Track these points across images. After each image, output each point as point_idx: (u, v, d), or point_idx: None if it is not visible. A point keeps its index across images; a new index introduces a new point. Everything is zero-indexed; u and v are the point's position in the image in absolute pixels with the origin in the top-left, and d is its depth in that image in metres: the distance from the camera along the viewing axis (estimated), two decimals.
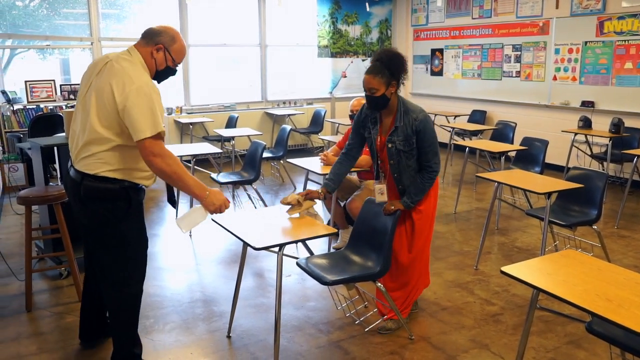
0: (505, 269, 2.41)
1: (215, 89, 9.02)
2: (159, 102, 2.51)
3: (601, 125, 6.86)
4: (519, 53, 8.14)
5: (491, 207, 4.40)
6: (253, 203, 5.87)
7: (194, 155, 5.04)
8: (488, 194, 6.63)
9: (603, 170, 7.10)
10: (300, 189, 6.86)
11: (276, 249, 2.72)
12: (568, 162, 6.91)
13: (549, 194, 3.88)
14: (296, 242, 2.90)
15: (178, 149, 5.28)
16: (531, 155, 5.65)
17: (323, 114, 8.89)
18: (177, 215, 5.54)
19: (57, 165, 5.52)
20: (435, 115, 8.74)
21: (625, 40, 6.77)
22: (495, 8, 8.44)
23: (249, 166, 5.59)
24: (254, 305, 3.70)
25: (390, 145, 3.20)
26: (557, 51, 7.59)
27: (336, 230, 3.85)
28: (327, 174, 3.46)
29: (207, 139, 8.25)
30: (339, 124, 8.09)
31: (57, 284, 4.02)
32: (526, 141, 5.82)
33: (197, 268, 4.36)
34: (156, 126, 2.44)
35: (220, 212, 2.68)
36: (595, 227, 4.11)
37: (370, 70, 3.19)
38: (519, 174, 4.43)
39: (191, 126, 8.03)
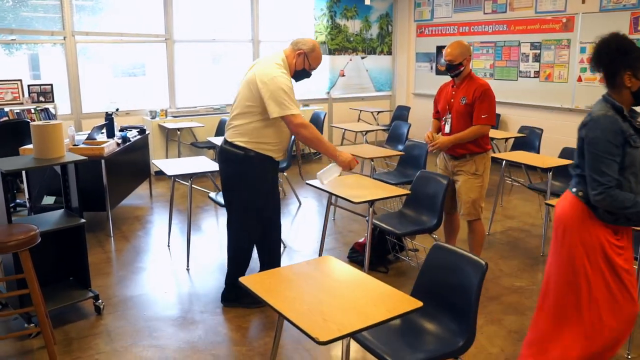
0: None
1: (203, 90, 8.14)
2: (290, 90, 3.24)
3: None
4: (538, 51, 7.48)
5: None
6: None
7: (192, 175, 4.20)
8: (518, 208, 5.93)
9: None
10: (305, 203, 6.08)
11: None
12: None
13: None
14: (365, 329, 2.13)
15: (174, 166, 4.43)
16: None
17: (323, 116, 8.11)
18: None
19: (25, 187, 4.64)
20: None
21: None
22: (510, 3, 7.76)
23: None
24: None
25: None
26: (582, 50, 6.94)
27: None
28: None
29: (195, 145, 7.39)
30: (345, 129, 7.29)
31: (24, 347, 3.17)
32: (568, 153, 5.13)
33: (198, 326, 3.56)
34: (287, 109, 3.17)
35: (350, 168, 3.42)
36: None
37: None
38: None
39: (178, 132, 7.17)
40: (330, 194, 3.72)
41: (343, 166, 3.42)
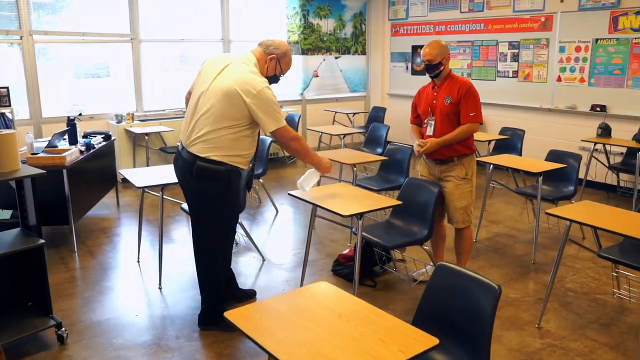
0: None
1: (172, 92, 7.75)
2: (276, 100, 3.04)
3: (616, 132, 6.14)
4: (516, 51, 7.35)
5: (561, 249, 3.50)
6: (236, 240, 4.77)
7: (165, 185, 3.87)
8: (502, 212, 5.77)
9: (620, 183, 6.41)
10: (282, 210, 5.80)
11: None
12: (587, 175, 6.17)
13: None
14: None
15: (144, 176, 4.08)
16: (563, 173, 4.81)
17: (297, 118, 7.82)
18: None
19: None
20: None
21: None
22: (488, 1, 7.61)
23: None
24: None
25: None
26: (562, 49, 6.83)
27: None
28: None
29: (164, 151, 7.03)
30: (322, 132, 7.02)
31: None
32: (555, 156, 4.97)
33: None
34: (280, 121, 3.03)
35: (328, 171, 3.38)
36: None
37: None
38: (595, 207, 3.53)
39: (146, 137, 6.79)
40: (315, 205, 3.45)
41: (323, 171, 3.36)
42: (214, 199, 3.14)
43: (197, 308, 3.49)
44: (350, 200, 3.45)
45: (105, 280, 4.06)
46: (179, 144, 3.28)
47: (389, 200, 3.54)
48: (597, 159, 6.26)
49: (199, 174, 3.06)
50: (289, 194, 3.64)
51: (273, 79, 3.25)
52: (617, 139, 6.01)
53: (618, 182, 6.40)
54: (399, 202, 3.41)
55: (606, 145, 6.15)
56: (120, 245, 4.81)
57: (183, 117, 7.42)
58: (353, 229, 3.73)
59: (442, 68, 3.67)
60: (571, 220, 3.23)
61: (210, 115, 3.00)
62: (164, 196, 4.00)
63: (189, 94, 3.33)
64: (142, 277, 4.15)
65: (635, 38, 6.12)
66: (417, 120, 3.96)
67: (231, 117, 2.99)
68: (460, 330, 2.19)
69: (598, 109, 6.50)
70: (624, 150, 6.20)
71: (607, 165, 6.23)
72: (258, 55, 3.18)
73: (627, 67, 6.23)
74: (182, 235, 5.10)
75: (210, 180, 3.07)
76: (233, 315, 1.92)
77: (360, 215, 3.22)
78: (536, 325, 3.42)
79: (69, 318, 3.46)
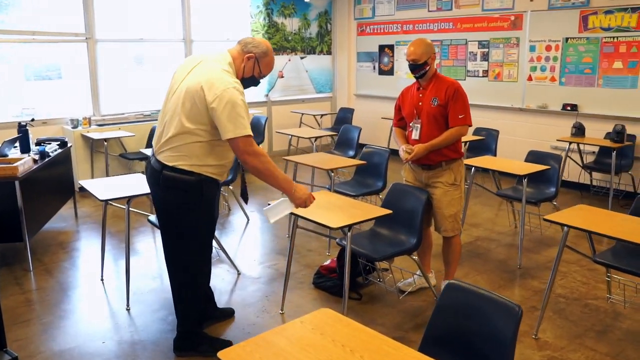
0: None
1: (131, 94, 7.35)
2: (245, 105, 2.65)
3: (587, 131, 6.12)
4: (486, 50, 7.27)
5: (558, 256, 3.36)
6: None
7: (131, 197, 3.54)
8: (480, 214, 5.64)
9: (593, 182, 6.39)
10: (254, 218, 5.53)
11: None
12: (561, 174, 6.11)
13: None
14: None
15: (107, 187, 3.74)
16: (545, 174, 4.70)
17: (264, 121, 7.55)
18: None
19: None
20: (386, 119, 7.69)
21: (613, 37, 6.05)
22: (456, 0, 7.51)
23: None
24: None
25: None
26: (532, 48, 6.78)
27: None
28: None
29: (125, 157, 6.63)
30: (292, 135, 6.75)
31: None
32: (535, 156, 4.87)
33: None
34: (242, 129, 2.60)
35: (305, 206, 2.83)
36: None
37: None
38: (590, 211, 3.40)
39: (105, 142, 6.37)
40: (297, 216, 3.20)
41: (298, 203, 2.80)
42: (184, 211, 2.83)
43: (171, 331, 3.20)
44: (335, 209, 3.22)
45: (66, 303, 3.69)
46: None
47: (378, 209, 3.31)
48: (571, 158, 6.22)
49: (166, 184, 2.77)
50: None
51: (250, 81, 2.91)
52: (592, 138, 5.98)
53: (591, 181, 6.38)
54: (389, 212, 3.20)
55: (580, 145, 6.12)
56: (80, 262, 4.43)
57: (145, 121, 7.10)
58: (337, 240, 3.49)
59: (427, 68, 3.48)
60: (569, 226, 3.08)
61: (175, 117, 2.70)
62: (131, 209, 3.67)
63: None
64: (107, 297, 3.81)
65: (605, 37, 6.10)
66: (401, 123, 3.76)
67: (194, 119, 2.65)
68: (478, 356, 1.98)
69: (569, 108, 6.47)
70: (596, 149, 6.19)
71: (580, 164, 6.20)
72: (235, 53, 2.86)
73: (598, 66, 6.21)
74: (148, 247, 4.76)
75: (179, 190, 2.77)
76: (228, 356, 1.65)
77: (349, 227, 2.99)
78: (533, 336, 3.26)
79: (27, 349, 3.09)
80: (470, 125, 3.58)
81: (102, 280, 4.06)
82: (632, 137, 5.91)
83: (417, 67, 3.47)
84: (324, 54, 9.34)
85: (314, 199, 2.85)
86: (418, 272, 3.79)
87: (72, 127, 6.47)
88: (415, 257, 3.57)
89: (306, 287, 3.95)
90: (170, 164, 2.73)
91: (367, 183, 4.98)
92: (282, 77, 8.82)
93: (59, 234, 5.10)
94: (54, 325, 3.38)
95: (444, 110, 3.47)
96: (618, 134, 5.55)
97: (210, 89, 2.60)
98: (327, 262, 4.04)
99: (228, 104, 2.57)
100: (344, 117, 8.46)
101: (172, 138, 2.71)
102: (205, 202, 2.85)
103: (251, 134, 2.64)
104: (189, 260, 2.97)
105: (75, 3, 6.66)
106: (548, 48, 6.61)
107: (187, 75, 2.75)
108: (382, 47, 8.67)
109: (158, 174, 2.78)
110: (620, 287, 3.73)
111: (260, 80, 2.97)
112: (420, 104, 3.55)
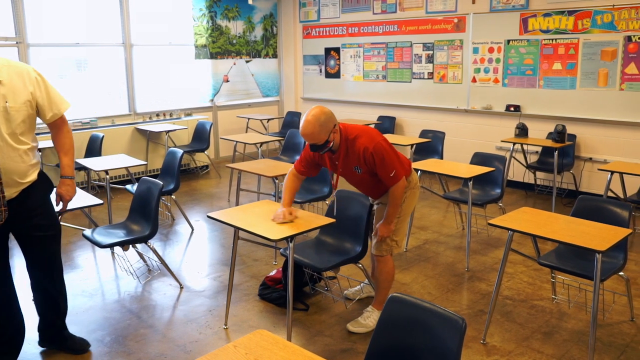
0: None
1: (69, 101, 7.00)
2: None
3: (530, 132, 6.22)
4: (431, 52, 7.31)
5: (504, 260, 3.33)
6: (148, 266, 4.28)
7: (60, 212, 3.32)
8: (427, 217, 5.63)
9: (537, 181, 6.50)
10: (198, 227, 5.35)
11: None
12: (506, 174, 6.18)
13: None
14: None
15: None
16: (490, 176, 4.72)
17: (209, 127, 7.35)
18: None
19: None
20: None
21: (552, 39, 6.18)
22: (400, 2, 7.53)
23: (139, 215, 3.99)
24: None
25: None
26: (475, 50, 6.85)
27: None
28: None
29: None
30: (237, 142, 6.54)
31: None
32: (480, 158, 4.89)
33: None
34: None
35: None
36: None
37: None
38: (534, 214, 3.39)
39: (39, 152, 6.03)
40: (238, 228, 3.06)
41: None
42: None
43: (108, 353, 2.99)
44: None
45: None
46: None
47: (321, 218, 3.20)
48: (515, 158, 6.31)
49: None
50: (208, 216, 3.23)
51: None
52: (534, 139, 6.08)
53: (535, 180, 6.49)
54: (332, 220, 3.10)
55: (523, 145, 6.21)
56: None
57: (83, 129, 6.78)
58: (281, 250, 3.37)
59: (331, 144, 3.08)
60: (513, 230, 3.07)
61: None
62: (63, 223, 3.44)
63: None
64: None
65: (545, 39, 6.22)
66: (304, 170, 3.34)
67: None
68: None
69: (513, 109, 6.57)
70: (539, 149, 6.30)
71: (525, 164, 6.29)
72: None
73: (538, 68, 6.33)
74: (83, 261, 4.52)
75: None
76: None
77: (291, 238, 2.87)
78: (481, 341, 3.23)
79: None
80: (407, 174, 3.26)
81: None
82: (573, 137, 6.05)
83: (320, 147, 3.08)
84: (270, 57, 9.21)
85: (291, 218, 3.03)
86: (366, 280, 3.71)
87: None
88: (360, 265, 3.49)
89: (252, 299, 3.82)
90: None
91: (313, 189, 4.88)
92: (228, 81, 8.63)
93: None
94: None
95: (372, 172, 3.17)
96: (559, 134, 5.65)
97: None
98: (273, 273, 3.92)
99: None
100: (291, 121, 8.35)
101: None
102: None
103: None
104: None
105: (3, 4, 6.30)
106: (491, 50, 6.70)
107: None
108: (328, 50, 8.61)
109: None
110: (565, 287, 3.77)
111: None
112: (341, 170, 3.24)
